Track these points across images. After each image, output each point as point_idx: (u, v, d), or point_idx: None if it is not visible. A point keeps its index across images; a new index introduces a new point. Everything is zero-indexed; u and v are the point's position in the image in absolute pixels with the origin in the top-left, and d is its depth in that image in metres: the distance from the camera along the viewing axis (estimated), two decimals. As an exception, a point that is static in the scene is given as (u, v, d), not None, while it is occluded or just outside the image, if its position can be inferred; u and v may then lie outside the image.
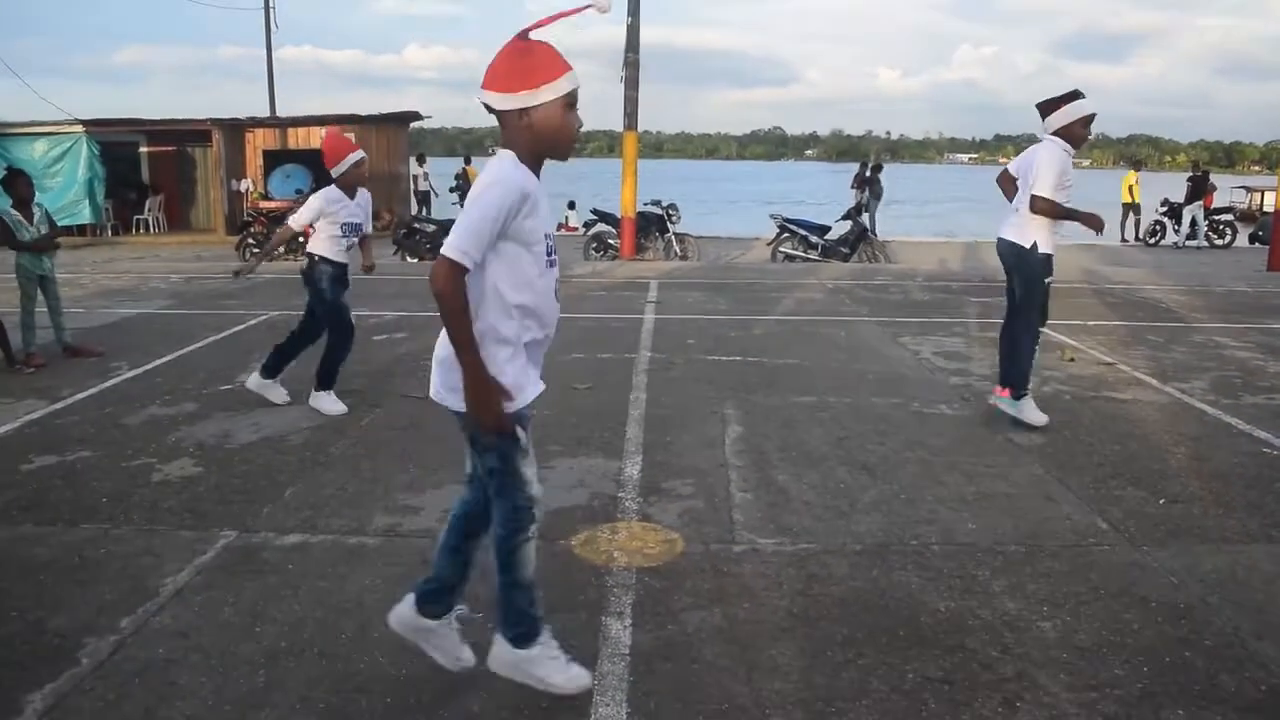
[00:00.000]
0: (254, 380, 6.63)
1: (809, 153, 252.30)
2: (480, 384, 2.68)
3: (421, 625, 3.10)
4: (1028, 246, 5.87)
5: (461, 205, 17.84)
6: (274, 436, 5.83)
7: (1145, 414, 6.45)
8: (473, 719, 2.98)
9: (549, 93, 2.67)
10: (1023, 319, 6.07)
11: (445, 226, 18.23)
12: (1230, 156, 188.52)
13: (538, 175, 2.77)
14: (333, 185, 6.30)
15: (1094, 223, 5.90)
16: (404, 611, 3.12)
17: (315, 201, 6.28)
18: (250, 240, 17.34)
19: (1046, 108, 5.88)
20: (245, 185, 22.99)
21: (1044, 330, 6.25)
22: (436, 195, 25.85)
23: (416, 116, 28.83)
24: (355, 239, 6.42)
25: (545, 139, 2.73)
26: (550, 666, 2.99)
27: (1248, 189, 37.43)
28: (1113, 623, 3.60)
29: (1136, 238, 23.04)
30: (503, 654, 3.02)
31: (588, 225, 18.46)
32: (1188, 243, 21.55)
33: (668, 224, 17.67)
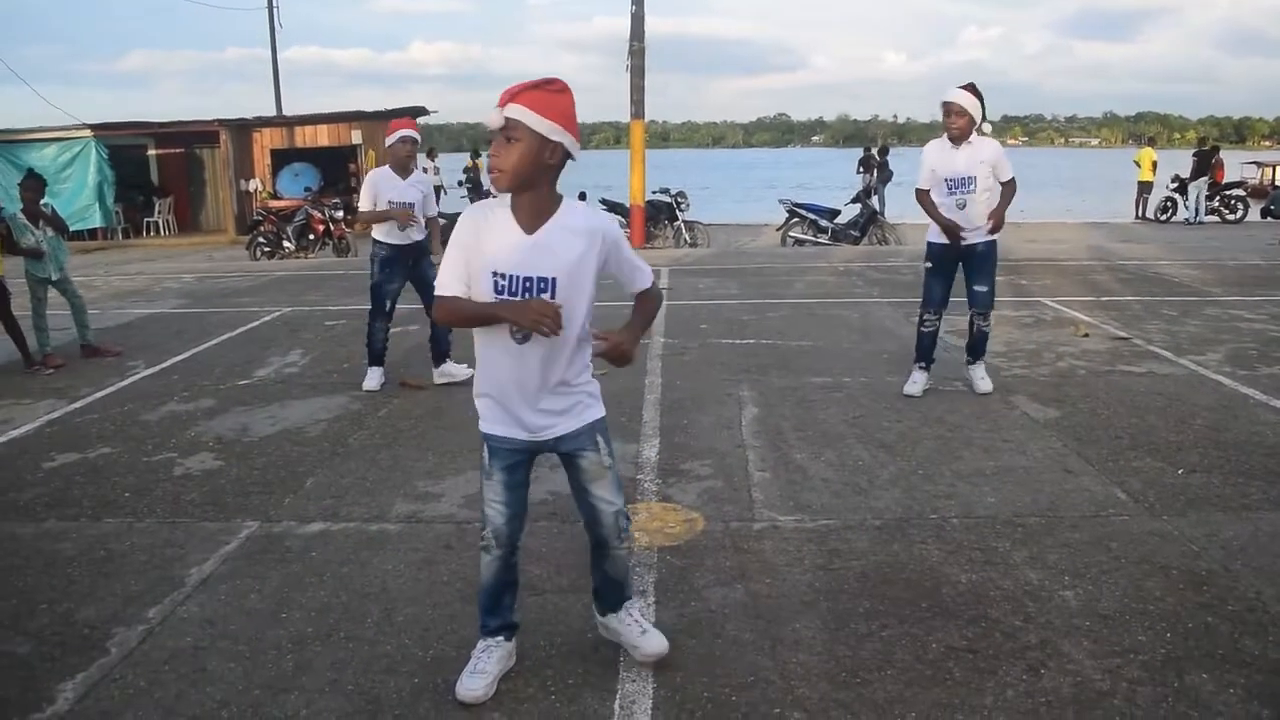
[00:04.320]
0: (436, 373, 6.90)
1: (815, 138, 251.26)
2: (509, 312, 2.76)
3: (599, 622, 3.25)
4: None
5: (470, 199, 18.02)
6: (292, 429, 5.87)
7: (1161, 386, 6.44)
8: (501, 697, 3.00)
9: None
10: None
11: (453, 220, 18.21)
12: (1240, 132, 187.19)
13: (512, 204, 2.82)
14: (385, 165, 6.60)
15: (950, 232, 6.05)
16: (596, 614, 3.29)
17: (367, 181, 6.58)
18: (261, 239, 17.40)
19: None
20: (254, 185, 23.08)
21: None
22: (446, 192, 25.86)
23: (423, 111, 28.81)
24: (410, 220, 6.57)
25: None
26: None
27: (1259, 164, 37.17)
28: (1135, 590, 3.60)
29: (1147, 215, 22.94)
30: None
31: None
32: (1203, 218, 21.46)
33: (677, 212, 17.67)
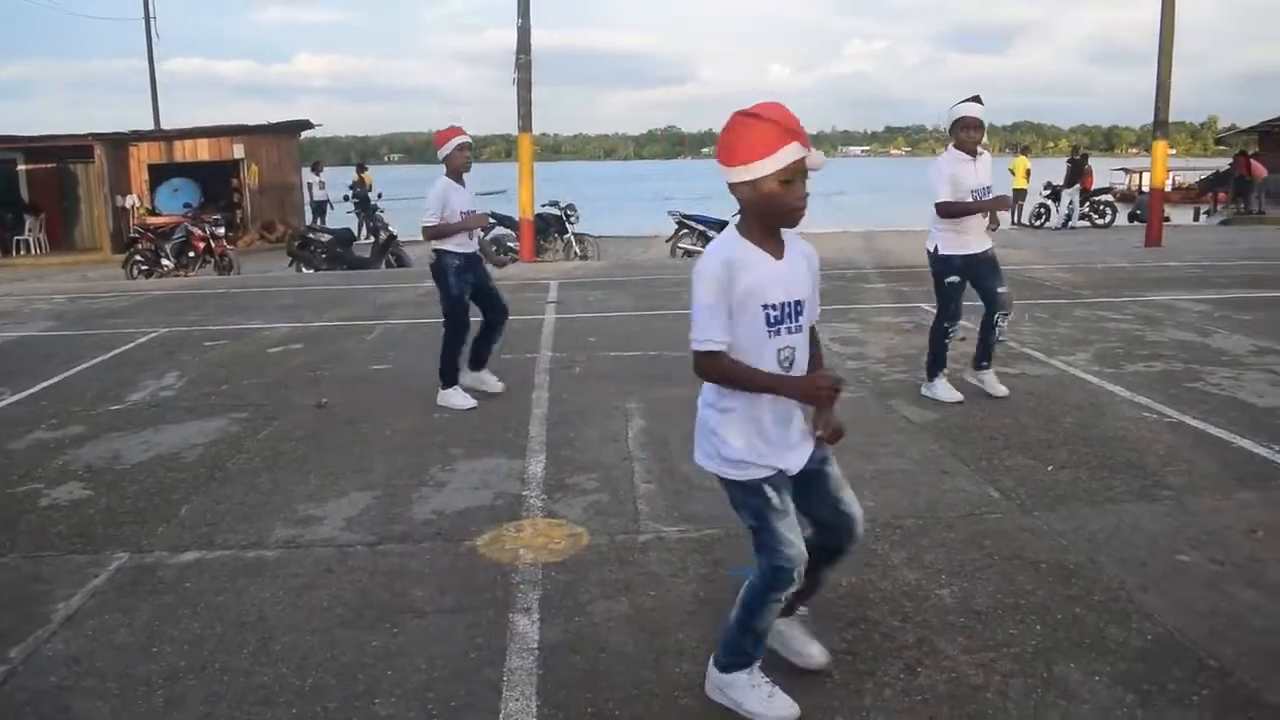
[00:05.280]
0: (472, 377, 6.79)
1: (706, 150, 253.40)
2: (785, 389, 2.81)
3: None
4: (931, 250, 6.27)
5: (357, 213, 17.63)
6: (167, 455, 5.68)
7: (1033, 386, 6.66)
8: (380, 722, 2.95)
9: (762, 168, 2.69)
10: (936, 315, 6.43)
11: (340, 236, 17.96)
12: (1110, 140, 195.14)
13: (764, 241, 2.82)
14: (445, 175, 6.40)
15: (998, 205, 6.23)
16: None
17: (435, 193, 6.33)
18: (138, 257, 16.88)
19: None
20: (131, 201, 22.38)
21: (959, 324, 6.42)
22: (332, 207, 25.43)
23: (307, 125, 28.36)
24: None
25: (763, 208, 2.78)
26: (750, 695, 2.92)
27: (1127, 170, 38.86)
28: (1007, 586, 3.72)
29: (1022, 221, 23.74)
30: (711, 676, 3.01)
31: (486, 229, 18.33)
32: (1075, 223, 22.31)
33: (567, 224, 17.66)
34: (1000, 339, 6.45)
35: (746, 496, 2.86)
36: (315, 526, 4.52)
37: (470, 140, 6.50)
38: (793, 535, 2.80)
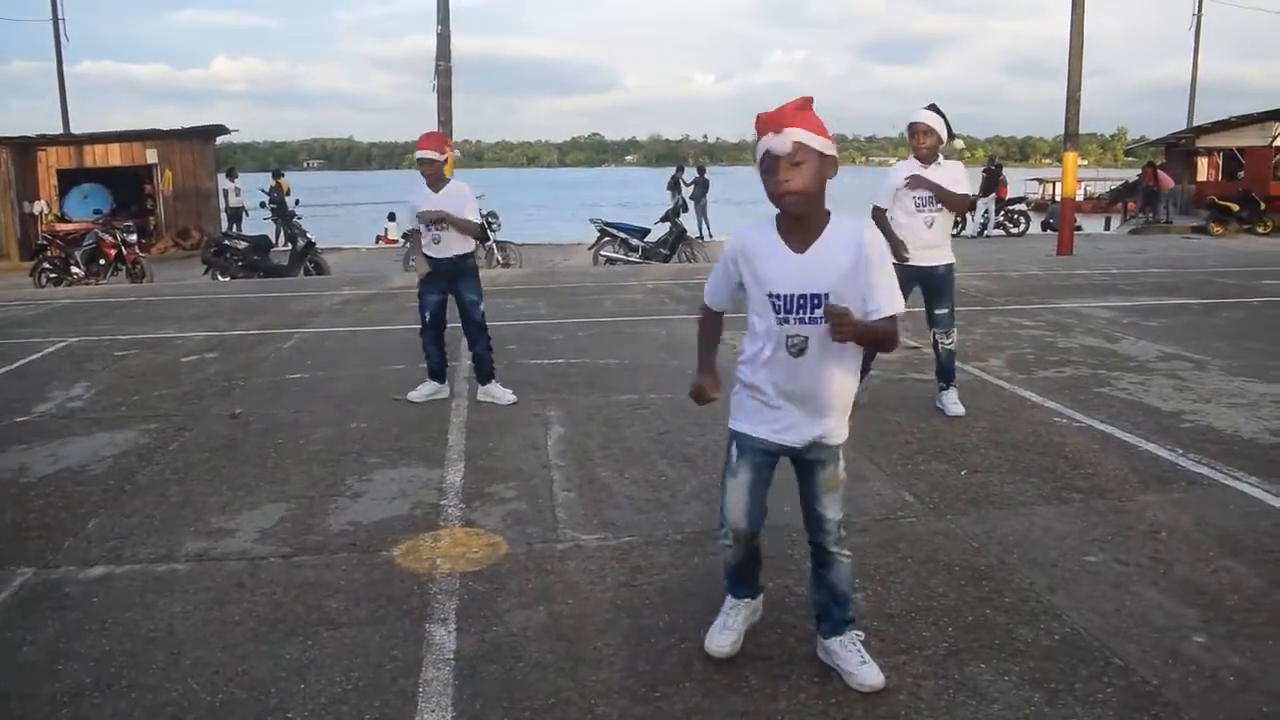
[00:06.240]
0: (480, 392, 6.86)
1: (629, 158, 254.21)
2: (699, 372, 3.27)
3: (821, 644, 3.27)
4: None
5: (274, 219, 17.34)
6: (74, 467, 5.53)
7: (948, 392, 6.77)
8: (292, 737, 2.91)
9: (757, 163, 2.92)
10: None
11: (256, 243, 17.66)
12: (1024, 151, 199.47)
13: (789, 232, 2.96)
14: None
15: (895, 246, 5.98)
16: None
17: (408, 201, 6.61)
18: (46, 265, 16.42)
19: None
20: (39, 207, 21.79)
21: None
22: (248, 213, 24.98)
23: (223, 130, 27.88)
24: (439, 232, 6.48)
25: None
26: (714, 621, 3.36)
27: (1040, 180, 39.86)
28: (920, 589, 3.78)
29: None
30: None
31: (406, 236, 18.14)
32: (990, 232, 22.81)
33: (488, 232, 17.57)
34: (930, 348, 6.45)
35: (727, 442, 3.20)
36: (228, 539, 4.44)
37: (424, 155, 6.45)
38: (732, 497, 3.15)
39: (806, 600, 3.67)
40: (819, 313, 2.88)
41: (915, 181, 5.95)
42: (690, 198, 24.73)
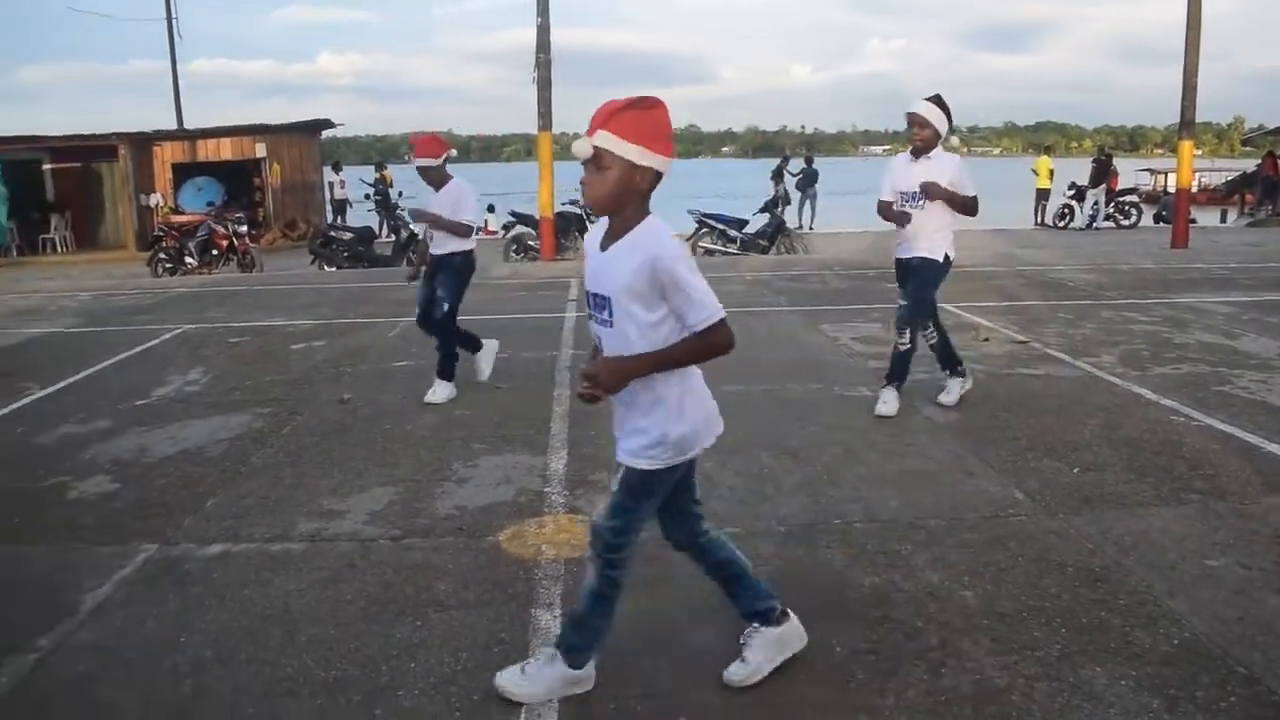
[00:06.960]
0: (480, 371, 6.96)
1: (725, 149, 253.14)
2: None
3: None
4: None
5: (378, 212, 17.59)
6: (192, 449, 5.72)
7: (1058, 388, 6.62)
8: (404, 715, 2.97)
9: None
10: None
11: (361, 235, 18.04)
12: (1134, 140, 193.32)
13: (610, 231, 2.89)
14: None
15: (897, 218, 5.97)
16: None
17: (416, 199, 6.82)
18: (162, 255, 17.00)
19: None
20: (155, 200, 22.55)
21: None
22: (352, 205, 25.53)
23: (328, 124, 28.53)
24: (431, 231, 6.60)
25: None
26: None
27: (1152, 171, 38.60)
28: (1031, 588, 3.69)
29: (1046, 221, 23.62)
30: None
31: (506, 228, 18.34)
32: (1099, 224, 22.17)
33: (587, 223, 17.67)
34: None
35: None
36: (339, 520, 4.55)
37: (422, 164, 6.48)
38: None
39: (914, 596, 3.63)
40: (606, 314, 2.83)
41: (930, 189, 5.76)
42: (796, 188, 24.56)
